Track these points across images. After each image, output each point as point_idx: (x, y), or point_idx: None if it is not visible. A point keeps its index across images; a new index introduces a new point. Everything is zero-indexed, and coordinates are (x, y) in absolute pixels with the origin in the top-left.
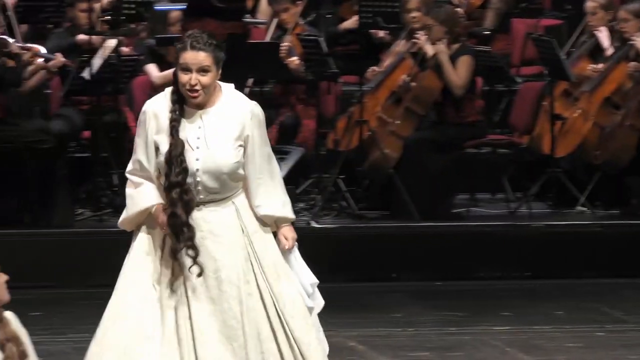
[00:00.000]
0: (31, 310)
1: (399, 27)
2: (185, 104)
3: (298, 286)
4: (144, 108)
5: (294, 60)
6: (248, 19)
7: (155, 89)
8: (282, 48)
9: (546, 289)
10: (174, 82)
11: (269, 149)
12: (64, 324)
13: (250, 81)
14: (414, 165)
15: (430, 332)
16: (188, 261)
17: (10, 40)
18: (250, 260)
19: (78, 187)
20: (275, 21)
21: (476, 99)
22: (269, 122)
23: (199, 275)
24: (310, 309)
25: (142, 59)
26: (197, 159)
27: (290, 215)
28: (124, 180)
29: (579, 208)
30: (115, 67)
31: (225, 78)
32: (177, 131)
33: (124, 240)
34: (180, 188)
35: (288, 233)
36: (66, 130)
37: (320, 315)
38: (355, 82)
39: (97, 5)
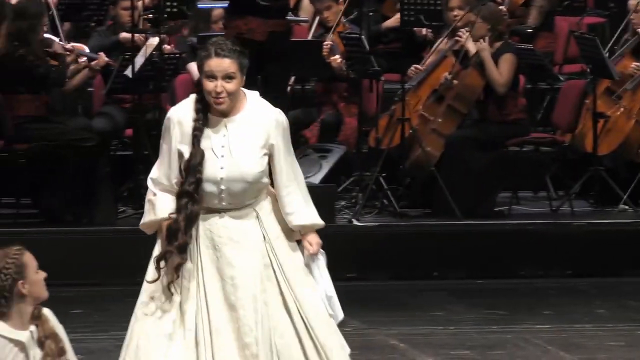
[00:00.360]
0: (73, 308)
1: (441, 25)
2: (209, 111)
3: (321, 292)
4: (168, 114)
5: (336, 58)
6: (290, 17)
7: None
8: (324, 46)
9: (588, 287)
10: (198, 90)
11: (293, 157)
12: (105, 321)
13: (292, 79)
14: (455, 164)
15: (471, 331)
16: (209, 265)
17: (55, 39)
18: (273, 267)
19: (120, 185)
20: (317, 19)
21: (519, 97)
22: (311, 120)
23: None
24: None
25: (184, 57)
26: (221, 168)
27: (321, 222)
28: None
29: (621, 206)
30: (157, 65)
31: (267, 76)
32: (198, 141)
33: None
34: (189, 198)
35: (313, 239)
36: (108, 129)
37: (361, 313)
38: (397, 80)
39: (139, 3)
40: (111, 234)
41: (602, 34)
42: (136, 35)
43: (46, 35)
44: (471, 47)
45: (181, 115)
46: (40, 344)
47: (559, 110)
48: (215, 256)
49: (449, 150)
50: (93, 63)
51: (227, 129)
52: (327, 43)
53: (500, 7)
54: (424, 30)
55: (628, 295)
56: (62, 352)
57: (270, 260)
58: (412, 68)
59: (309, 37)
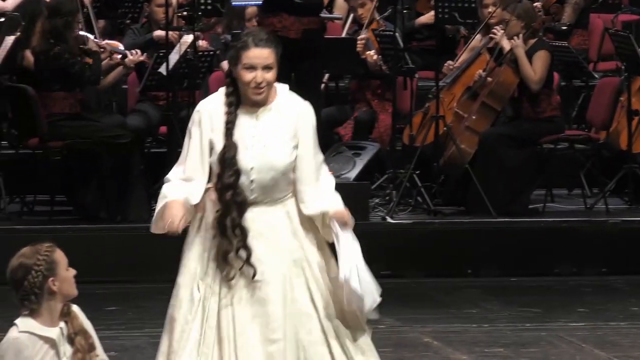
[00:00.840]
0: (107, 305)
1: (475, 22)
2: (240, 103)
3: (348, 269)
4: (198, 107)
5: (372, 53)
6: (324, 14)
7: None
8: (359, 41)
9: (622, 285)
10: (230, 82)
11: (318, 150)
12: (139, 318)
13: (326, 77)
14: (489, 161)
15: (505, 328)
16: (237, 263)
17: (89, 36)
18: (302, 265)
19: (154, 183)
20: (351, 17)
21: (553, 95)
22: (345, 118)
23: (253, 276)
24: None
25: (218, 54)
26: (252, 157)
27: (335, 205)
28: None
29: None
30: (191, 62)
31: (301, 74)
32: (231, 133)
33: None
34: (232, 190)
35: (340, 212)
36: (143, 126)
37: (395, 310)
38: (432, 77)
39: (173, 1)
40: (145, 231)
41: (636, 31)
42: (170, 32)
43: (81, 33)
44: (506, 44)
45: (211, 107)
46: (70, 340)
47: (593, 107)
48: None
49: (483, 147)
50: (127, 60)
51: (257, 119)
52: (362, 37)
53: (535, 4)
54: (462, 29)
55: None
56: (92, 347)
57: (300, 257)
58: (446, 64)
59: (343, 35)
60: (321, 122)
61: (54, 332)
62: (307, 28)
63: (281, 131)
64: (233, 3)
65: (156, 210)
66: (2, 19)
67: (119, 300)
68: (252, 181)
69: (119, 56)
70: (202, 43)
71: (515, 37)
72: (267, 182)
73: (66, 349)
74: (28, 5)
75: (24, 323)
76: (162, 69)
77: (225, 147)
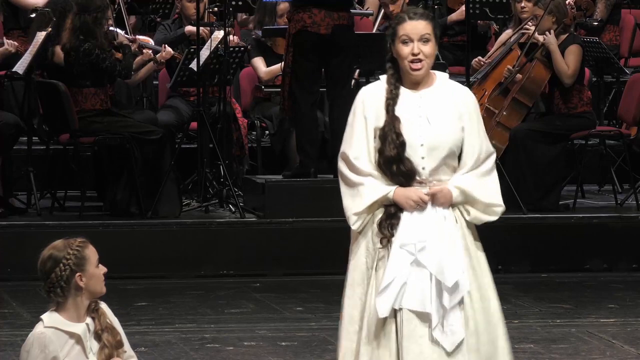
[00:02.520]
0: (138, 301)
1: (506, 17)
2: (402, 84)
3: (489, 288)
4: (360, 92)
5: None
6: (355, 9)
7: (261, 82)
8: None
9: None
10: (391, 64)
11: (483, 138)
12: (170, 314)
13: (356, 73)
14: (520, 157)
15: (535, 324)
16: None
17: (120, 32)
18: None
19: (185, 178)
20: (382, 12)
21: (584, 90)
22: None
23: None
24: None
25: (249, 50)
26: (420, 134)
27: (474, 193)
28: (231, 172)
29: None
30: (222, 58)
31: (332, 69)
32: (392, 108)
33: (230, 232)
34: (396, 162)
35: (443, 187)
36: (173, 122)
37: None
38: (462, 73)
39: None
40: (175, 227)
41: None
42: (201, 28)
43: (111, 29)
44: (538, 39)
45: (373, 90)
46: (97, 336)
47: (624, 103)
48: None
49: (514, 143)
50: (158, 56)
51: (421, 99)
52: None
53: (567, 0)
54: (493, 25)
55: None
56: (119, 344)
57: (464, 245)
58: (475, 60)
59: (374, 30)
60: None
61: (79, 328)
62: (337, 24)
63: (446, 111)
64: None
65: (368, 194)
66: (33, 15)
67: (150, 295)
68: (423, 158)
69: (150, 52)
70: (233, 39)
71: (547, 32)
72: (436, 161)
73: (93, 345)
74: (58, 1)
75: (49, 318)
76: (193, 65)
77: (386, 121)
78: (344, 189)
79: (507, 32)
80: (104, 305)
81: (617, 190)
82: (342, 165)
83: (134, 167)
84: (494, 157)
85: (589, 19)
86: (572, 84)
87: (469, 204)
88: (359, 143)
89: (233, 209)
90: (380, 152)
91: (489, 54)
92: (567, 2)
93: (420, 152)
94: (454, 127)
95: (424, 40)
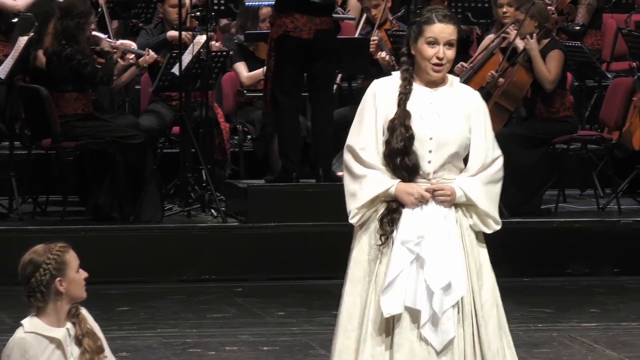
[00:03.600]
0: (119, 305)
1: (489, 22)
2: (414, 80)
3: (497, 294)
4: (372, 84)
5: (384, 55)
6: (337, 14)
7: (243, 86)
8: (371, 42)
9: (635, 285)
10: (407, 59)
11: (490, 143)
12: (152, 319)
13: (338, 77)
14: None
15: (517, 329)
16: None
17: (102, 36)
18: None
19: (167, 183)
20: (364, 17)
21: (566, 95)
22: None
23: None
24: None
25: (231, 55)
26: (429, 128)
27: (476, 201)
28: (213, 176)
29: None
30: (204, 63)
31: (314, 74)
32: (404, 102)
33: (212, 237)
34: (402, 155)
35: (451, 188)
36: (156, 126)
37: None
38: None
39: (187, 1)
40: (157, 232)
41: None
42: (183, 33)
43: (93, 33)
44: (519, 44)
45: (386, 84)
46: (78, 341)
47: (606, 107)
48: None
49: None
50: (140, 60)
51: (433, 96)
52: (375, 39)
53: (549, 5)
54: (476, 29)
55: None
56: (100, 349)
57: (462, 247)
58: (458, 65)
59: (356, 35)
60: (333, 122)
61: (59, 333)
62: (319, 28)
63: (456, 110)
64: (247, 3)
65: (369, 189)
66: (16, 20)
67: (131, 300)
68: (430, 152)
69: (132, 56)
70: (215, 43)
71: (528, 37)
72: (445, 156)
73: (73, 350)
74: (40, 5)
75: (30, 323)
76: (175, 70)
77: (396, 113)
78: (347, 181)
79: (490, 37)
80: (84, 311)
81: (598, 195)
82: (347, 157)
83: (116, 172)
84: (500, 161)
85: (571, 23)
86: (554, 89)
87: (470, 208)
88: (367, 134)
89: (215, 214)
90: (387, 143)
91: (473, 59)
92: (548, 6)
93: (428, 145)
94: (463, 126)
95: (449, 44)
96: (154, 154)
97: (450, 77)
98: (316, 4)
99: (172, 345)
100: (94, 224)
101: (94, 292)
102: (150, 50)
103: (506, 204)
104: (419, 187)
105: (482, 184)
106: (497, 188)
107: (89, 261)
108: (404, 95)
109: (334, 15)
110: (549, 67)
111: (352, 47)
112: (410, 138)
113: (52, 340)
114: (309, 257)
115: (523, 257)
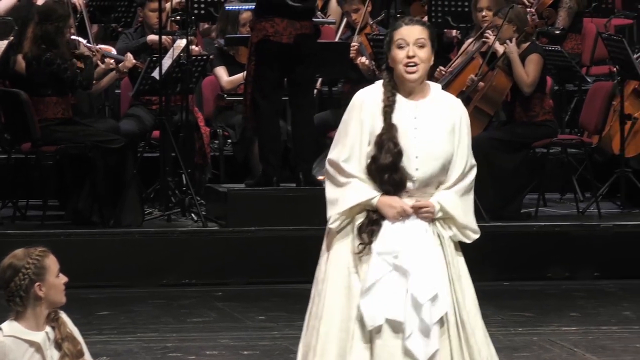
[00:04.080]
0: (99, 310)
1: (468, 26)
2: (398, 92)
3: (476, 299)
4: (357, 95)
5: (364, 60)
6: (318, 18)
7: (224, 91)
8: (352, 47)
9: (615, 289)
10: (387, 72)
11: (470, 153)
12: (132, 323)
13: (319, 81)
14: (482, 165)
15: (497, 332)
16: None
17: (82, 40)
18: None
19: (147, 187)
20: (344, 21)
21: (546, 99)
22: (338, 122)
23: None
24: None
25: (211, 59)
26: (415, 146)
27: (454, 214)
28: (193, 181)
29: None
30: (184, 67)
31: (294, 78)
32: (390, 116)
33: (193, 241)
34: (390, 171)
35: (429, 203)
36: (136, 130)
37: None
38: None
39: (167, 5)
40: (138, 236)
41: (630, 35)
42: (163, 37)
43: (72, 37)
44: (499, 48)
45: (370, 95)
46: (58, 345)
47: (586, 111)
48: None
49: (476, 151)
50: (120, 65)
51: (417, 109)
52: (355, 44)
53: (528, 8)
54: (453, 32)
55: None
56: (80, 354)
57: (443, 258)
58: (438, 70)
59: (336, 39)
60: (314, 127)
61: (38, 336)
62: (299, 33)
63: (440, 123)
64: (227, 7)
65: (349, 197)
66: None
67: (112, 305)
68: (416, 169)
69: (112, 61)
70: (195, 47)
71: (508, 41)
72: (429, 172)
73: (53, 354)
74: (20, 10)
75: (9, 327)
76: (155, 74)
77: (383, 128)
78: (328, 190)
79: (469, 41)
80: (63, 315)
81: (578, 199)
82: (330, 170)
83: (96, 176)
84: (475, 171)
85: (551, 27)
86: (532, 93)
87: (448, 220)
88: (352, 146)
89: (195, 218)
90: (375, 159)
91: (452, 63)
92: (528, 10)
93: (415, 163)
94: (448, 140)
95: (419, 44)
96: (134, 158)
97: (432, 85)
98: (296, 8)
99: (153, 349)
100: (74, 228)
101: (74, 296)
102: (129, 55)
103: (486, 208)
104: (401, 201)
105: (459, 196)
106: (471, 197)
107: (68, 265)
108: (389, 107)
109: (314, 19)
110: (527, 71)
111: (333, 52)
112: (399, 154)
113: (31, 344)
114: (289, 261)
115: (503, 261)
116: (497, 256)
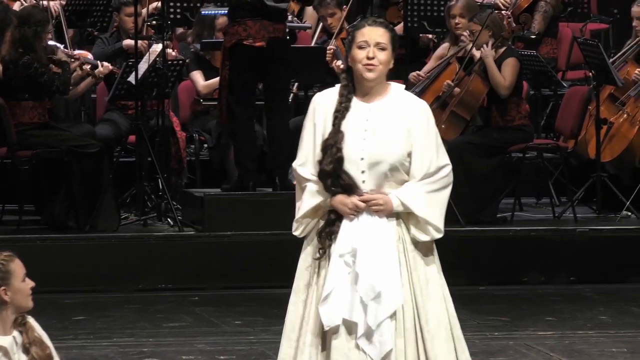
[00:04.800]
0: (75, 315)
1: (444, 30)
2: (354, 95)
3: (449, 306)
4: (313, 98)
5: (339, 64)
6: (294, 23)
7: (200, 95)
8: (327, 51)
9: (591, 294)
10: (346, 74)
11: (435, 151)
12: (108, 328)
13: (295, 86)
14: (458, 169)
15: (473, 337)
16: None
17: (59, 46)
18: (400, 269)
19: (123, 192)
20: (320, 26)
21: (522, 103)
22: None
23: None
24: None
25: (187, 64)
26: (362, 149)
27: (418, 211)
28: (169, 185)
29: (624, 213)
30: (160, 71)
31: (269, 82)
32: (339, 121)
33: (169, 246)
34: (331, 177)
35: (386, 198)
36: (112, 135)
37: None
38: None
39: (143, 10)
40: (114, 241)
41: (605, 40)
42: (139, 41)
43: (50, 42)
44: (475, 53)
45: (325, 98)
46: (26, 350)
47: (562, 116)
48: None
49: (452, 156)
50: (97, 71)
51: (370, 112)
52: (331, 48)
53: (504, 12)
54: (429, 36)
55: (631, 301)
56: (49, 357)
57: (400, 261)
58: (414, 74)
59: (312, 44)
60: (289, 131)
61: (6, 341)
62: (273, 36)
63: (393, 124)
64: (203, 12)
65: (303, 205)
66: None
67: (87, 309)
68: (363, 172)
69: (89, 67)
70: (171, 52)
71: (484, 46)
72: (379, 174)
73: (21, 358)
74: None
75: None
76: (131, 78)
77: (330, 133)
78: (296, 194)
79: (444, 46)
80: (31, 319)
81: (554, 203)
82: (294, 175)
83: (72, 181)
84: (447, 169)
85: (527, 32)
86: (509, 97)
87: (408, 217)
88: (306, 150)
89: (171, 223)
90: (319, 163)
91: (425, 67)
92: (504, 13)
93: (361, 166)
94: (399, 141)
95: (380, 47)
96: (110, 163)
97: (394, 85)
98: (268, 12)
99: (129, 354)
100: (50, 233)
101: (49, 301)
102: (104, 62)
103: (462, 213)
104: (353, 197)
105: (424, 191)
106: (443, 195)
107: (44, 270)
108: (339, 113)
109: (291, 24)
110: (504, 74)
111: (308, 56)
112: (339, 160)
113: None
114: (266, 265)
115: (479, 266)
116: (473, 261)
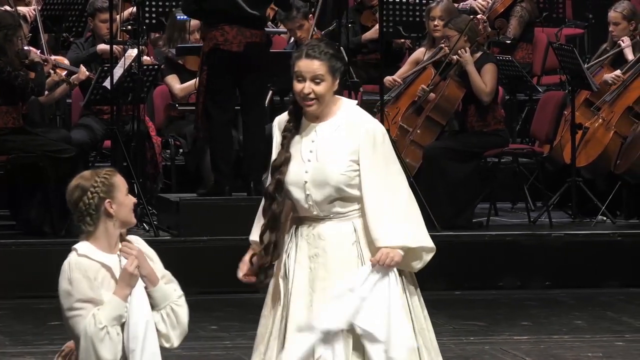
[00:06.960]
0: (51, 320)
1: (420, 35)
2: (303, 116)
3: (409, 332)
4: (274, 120)
5: None
6: (270, 28)
7: (176, 100)
8: None
9: (566, 298)
10: (294, 97)
11: (388, 170)
12: None
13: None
14: (434, 174)
15: (449, 342)
16: (300, 275)
17: (32, 49)
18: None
19: None
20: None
21: (498, 108)
22: None
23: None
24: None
25: (162, 69)
26: (306, 172)
27: (405, 243)
28: (145, 190)
29: (600, 217)
30: (136, 76)
31: (245, 88)
32: (286, 144)
33: None
34: (270, 199)
35: (385, 252)
36: (87, 140)
37: None
38: (377, 91)
39: (117, 17)
40: None
41: (581, 45)
42: (114, 46)
43: (25, 47)
44: (454, 58)
45: (280, 120)
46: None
47: (537, 121)
48: (309, 267)
49: (428, 161)
50: (73, 77)
51: (316, 133)
52: None
53: (479, 17)
54: (408, 41)
55: (606, 306)
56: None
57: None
58: (389, 79)
59: (287, 48)
60: (265, 136)
61: (111, 260)
62: (250, 41)
63: (339, 145)
64: (178, 17)
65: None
66: None
67: None
68: (307, 195)
69: (64, 72)
70: (146, 57)
71: (461, 51)
72: (323, 197)
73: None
74: None
75: (82, 247)
76: (107, 83)
77: (277, 155)
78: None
79: (420, 50)
80: (134, 238)
81: (530, 208)
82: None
83: (47, 186)
84: (403, 188)
85: (503, 37)
86: (488, 102)
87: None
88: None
89: (147, 228)
90: (264, 184)
91: (399, 71)
92: (480, 17)
93: (305, 189)
94: (343, 163)
95: (316, 80)
96: (86, 168)
97: (345, 103)
98: (245, 17)
99: None
100: (25, 238)
101: (25, 306)
102: (82, 67)
103: (438, 217)
104: (243, 260)
105: (406, 225)
106: (414, 214)
107: (19, 275)
108: (288, 133)
109: (267, 29)
110: (485, 80)
111: (285, 61)
112: (279, 183)
113: (103, 265)
114: None
115: (455, 271)
116: (449, 265)
